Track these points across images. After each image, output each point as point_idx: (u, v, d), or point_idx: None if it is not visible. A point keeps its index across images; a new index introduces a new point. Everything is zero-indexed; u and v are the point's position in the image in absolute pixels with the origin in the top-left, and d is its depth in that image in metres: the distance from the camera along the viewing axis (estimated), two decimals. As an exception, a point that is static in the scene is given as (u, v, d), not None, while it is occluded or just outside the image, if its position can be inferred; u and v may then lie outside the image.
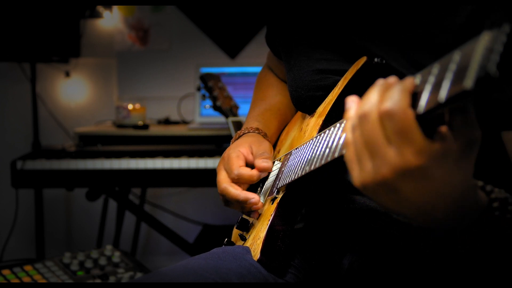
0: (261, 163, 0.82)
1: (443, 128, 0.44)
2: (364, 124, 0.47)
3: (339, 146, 0.58)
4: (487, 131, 0.65)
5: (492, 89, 0.36)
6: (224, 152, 0.87)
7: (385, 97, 0.45)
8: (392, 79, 0.47)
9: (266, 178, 0.87)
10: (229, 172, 0.82)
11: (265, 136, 0.93)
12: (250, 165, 0.85)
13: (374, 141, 0.46)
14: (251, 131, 0.93)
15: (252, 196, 0.79)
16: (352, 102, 0.51)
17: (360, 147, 0.48)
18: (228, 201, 0.83)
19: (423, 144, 0.44)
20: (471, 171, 0.48)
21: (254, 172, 0.82)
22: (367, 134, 0.47)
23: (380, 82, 0.48)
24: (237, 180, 0.82)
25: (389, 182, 0.46)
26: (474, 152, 0.46)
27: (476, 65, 0.36)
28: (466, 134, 0.44)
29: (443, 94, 0.39)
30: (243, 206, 0.81)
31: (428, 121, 0.44)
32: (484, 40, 0.37)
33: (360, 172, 0.49)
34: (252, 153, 0.85)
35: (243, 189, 0.82)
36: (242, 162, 0.83)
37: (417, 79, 0.45)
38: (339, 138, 0.59)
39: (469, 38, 0.39)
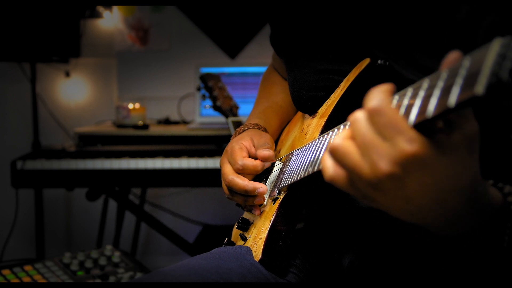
0: (263, 151, 0.85)
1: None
2: (356, 127, 0.47)
3: None
4: (498, 135, 0.65)
5: (503, 96, 0.36)
6: (227, 146, 0.90)
7: (368, 99, 0.46)
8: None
9: (267, 178, 0.87)
10: (233, 163, 0.84)
11: (265, 131, 0.96)
12: (252, 157, 0.87)
13: (367, 139, 0.46)
14: (251, 127, 0.95)
15: (260, 185, 0.80)
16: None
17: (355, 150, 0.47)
18: (234, 192, 0.84)
19: (414, 133, 0.43)
20: (475, 164, 0.47)
21: (257, 162, 0.84)
22: (360, 135, 0.46)
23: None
24: (242, 171, 0.83)
25: (391, 175, 0.45)
26: (474, 142, 0.45)
27: (488, 71, 0.36)
28: (462, 126, 0.43)
29: (452, 99, 0.39)
30: (248, 199, 0.82)
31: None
32: (496, 46, 0.37)
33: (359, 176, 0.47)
34: (254, 146, 0.88)
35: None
36: (245, 154, 0.85)
37: (425, 83, 0.44)
38: None
39: (472, 40, 0.39)
